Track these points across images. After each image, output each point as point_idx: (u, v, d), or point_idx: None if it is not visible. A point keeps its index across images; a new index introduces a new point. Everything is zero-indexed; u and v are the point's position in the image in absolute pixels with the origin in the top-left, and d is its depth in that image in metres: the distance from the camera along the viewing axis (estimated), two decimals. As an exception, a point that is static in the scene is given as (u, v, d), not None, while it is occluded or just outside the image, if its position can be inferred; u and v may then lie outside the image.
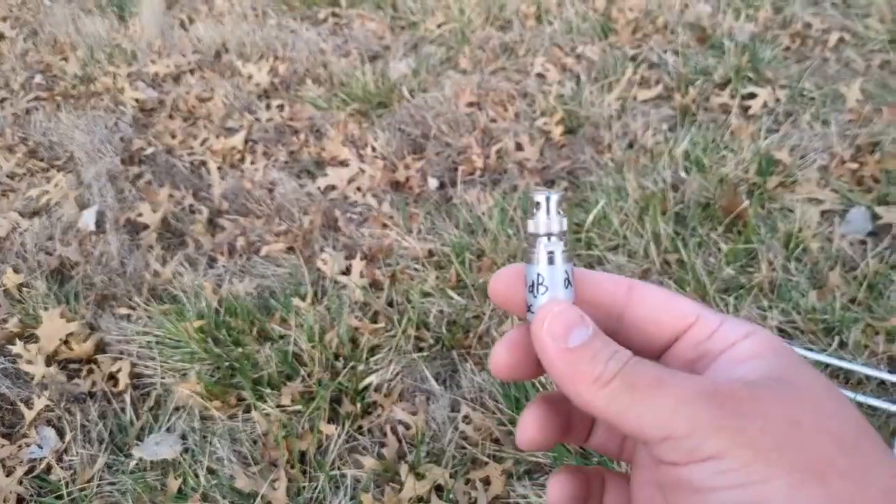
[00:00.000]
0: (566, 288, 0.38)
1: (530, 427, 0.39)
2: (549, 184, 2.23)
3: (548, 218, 0.38)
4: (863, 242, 1.93)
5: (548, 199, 0.38)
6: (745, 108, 2.48)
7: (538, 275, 0.38)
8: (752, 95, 2.52)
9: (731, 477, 0.30)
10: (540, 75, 2.74)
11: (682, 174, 2.17)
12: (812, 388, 0.33)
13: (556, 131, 2.40)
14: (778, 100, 2.50)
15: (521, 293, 0.39)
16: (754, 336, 0.36)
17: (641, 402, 0.32)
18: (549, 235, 0.38)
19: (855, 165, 2.16)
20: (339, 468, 1.51)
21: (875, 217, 1.99)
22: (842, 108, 2.44)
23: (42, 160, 2.47)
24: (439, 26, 3.12)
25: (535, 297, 0.38)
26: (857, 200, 2.04)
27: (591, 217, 2.00)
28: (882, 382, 1.58)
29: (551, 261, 0.38)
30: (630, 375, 0.33)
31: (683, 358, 0.38)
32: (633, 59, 2.79)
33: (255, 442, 1.57)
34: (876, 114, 2.38)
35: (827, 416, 0.32)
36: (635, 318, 0.39)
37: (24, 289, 1.94)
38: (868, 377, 1.58)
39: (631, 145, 2.35)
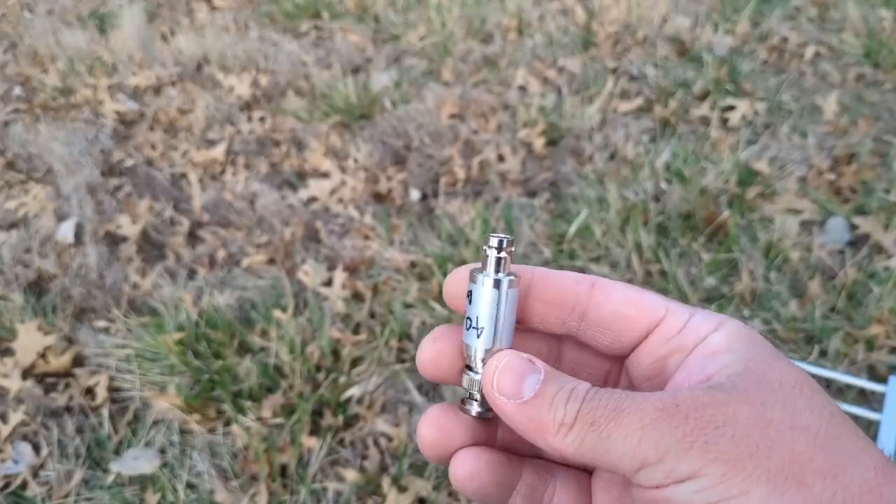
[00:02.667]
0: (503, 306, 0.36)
1: (424, 429, 0.38)
2: (532, 195, 2.23)
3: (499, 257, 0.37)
4: (841, 252, 1.95)
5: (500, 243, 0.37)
6: (725, 120, 2.50)
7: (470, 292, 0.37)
8: (731, 108, 2.55)
9: (709, 493, 0.29)
10: (521, 87, 2.76)
11: (663, 185, 2.18)
12: (781, 381, 0.32)
13: (538, 143, 2.41)
14: (756, 112, 2.53)
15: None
16: (724, 327, 0.35)
17: (607, 437, 0.31)
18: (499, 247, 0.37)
19: (833, 176, 2.19)
20: (320, 481, 1.49)
21: (853, 227, 2.01)
22: (819, 120, 2.48)
23: (20, 172, 2.45)
24: (421, 39, 3.13)
25: (468, 306, 0.37)
26: (836, 210, 2.06)
27: (573, 228, 2.01)
28: (862, 391, 1.60)
29: (487, 283, 0.36)
30: (589, 412, 0.32)
31: (655, 354, 0.37)
32: (614, 71, 2.81)
33: (235, 455, 1.55)
34: (852, 125, 2.42)
35: (799, 411, 0.31)
36: (600, 315, 0.37)
37: (1, 301, 1.91)
38: (849, 386, 1.59)
39: (612, 157, 2.36)
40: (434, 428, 0.37)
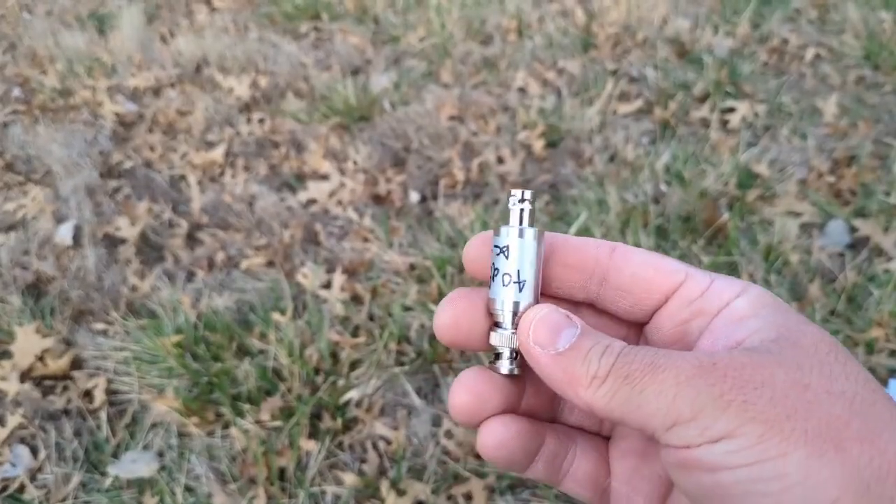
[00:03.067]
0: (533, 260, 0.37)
1: (459, 394, 0.37)
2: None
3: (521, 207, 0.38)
4: (841, 255, 1.95)
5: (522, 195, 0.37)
6: (725, 122, 2.50)
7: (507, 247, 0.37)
8: (731, 110, 2.55)
9: (745, 454, 0.29)
10: (521, 89, 2.75)
11: (663, 187, 2.18)
12: (816, 347, 0.31)
13: (538, 145, 2.41)
14: (756, 114, 2.52)
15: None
16: (748, 293, 0.35)
17: (641, 392, 0.31)
18: (522, 199, 0.37)
19: (832, 178, 2.19)
20: (319, 485, 1.49)
21: (853, 229, 2.01)
22: (819, 122, 2.47)
23: (19, 174, 2.44)
24: (421, 41, 3.12)
25: (505, 261, 0.37)
26: (835, 213, 2.06)
27: (573, 230, 2.01)
28: (862, 394, 1.59)
29: (521, 234, 0.37)
30: (624, 366, 0.31)
31: (677, 318, 0.36)
32: (614, 73, 2.81)
33: (233, 459, 1.54)
34: (852, 128, 2.41)
35: (835, 377, 0.30)
36: (620, 278, 0.37)
37: (-1, 304, 1.91)
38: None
39: (612, 159, 2.36)
40: (468, 393, 0.37)
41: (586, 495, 0.40)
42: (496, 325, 0.37)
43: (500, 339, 0.37)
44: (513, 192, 0.37)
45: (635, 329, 0.40)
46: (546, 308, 0.35)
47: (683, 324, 0.36)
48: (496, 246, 0.37)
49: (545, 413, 0.41)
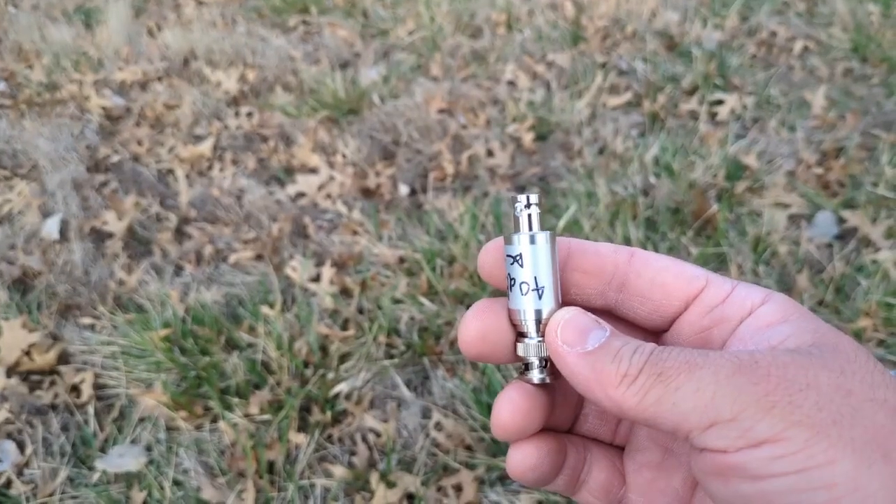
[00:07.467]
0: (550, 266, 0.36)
1: (504, 411, 0.36)
2: (520, 189, 2.23)
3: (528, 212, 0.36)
4: (829, 245, 1.95)
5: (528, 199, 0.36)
6: (713, 115, 2.50)
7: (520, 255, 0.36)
8: (720, 102, 2.55)
9: (790, 461, 0.27)
10: (510, 82, 2.75)
11: (652, 179, 2.18)
12: (856, 353, 0.30)
13: (527, 138, 2.40)
14: (745, 106, 2.53)
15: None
16: (773, 300, 0.33)
17: (676, 390, 0.29)
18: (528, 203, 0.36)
19: (821, 170, 2.19)
20: (308, 478, 1.48)
21: (841, 221, 2.01)
22: (807, 115, 2.48)
23: (5, 168, 2.42)
24: (410, 34, 3.11)
25: (520, 270, 0.36)
26: (823, 204, 2.06)
27: (562, 222, 2.01)
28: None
29: (532, 240, 0.35)
30: (657, 364, 0.30)
31: (698, 325, 0.35)
32: (603, 66, 2.81)
33: (222, 452, 1.54)
34: (840, 120, 2.42)
35: (876, 384, 0.29)
36: (639, 284, 0.36)
37: (-15, 299, 1.89)
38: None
39: (601, 151, 2.36)
40: (516, 412, 0.36)
41: None
42: (521, 335, 0.36)
43: (528, 349, 0.36)
44: (518, 197, 0.36)
45: (654, 338, 0.39)
46: (573, 310, 0.34)
47: (704, 331, 0.35)
48: (509, 255, 0.36)
49: (564, 423, 0.40)
